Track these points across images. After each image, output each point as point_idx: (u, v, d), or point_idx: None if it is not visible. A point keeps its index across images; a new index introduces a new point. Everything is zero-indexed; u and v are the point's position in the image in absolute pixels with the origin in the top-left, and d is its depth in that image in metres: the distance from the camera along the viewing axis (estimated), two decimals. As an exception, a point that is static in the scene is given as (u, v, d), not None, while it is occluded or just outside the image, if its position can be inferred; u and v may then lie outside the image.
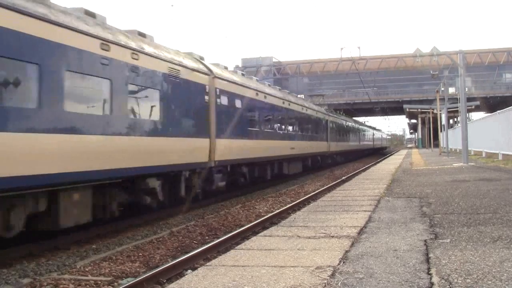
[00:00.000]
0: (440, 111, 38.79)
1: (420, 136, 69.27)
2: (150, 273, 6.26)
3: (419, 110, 55.52)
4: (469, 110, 46.37)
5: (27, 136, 7.01)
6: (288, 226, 6.57)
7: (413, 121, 74.89)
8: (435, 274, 3.78)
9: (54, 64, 7.59)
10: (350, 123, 42.21)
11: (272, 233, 6.14)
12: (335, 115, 35.14)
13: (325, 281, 3.75)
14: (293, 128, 22.35)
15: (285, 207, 12.04)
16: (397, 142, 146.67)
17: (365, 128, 57.38)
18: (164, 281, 6.16)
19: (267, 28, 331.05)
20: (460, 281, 3.56)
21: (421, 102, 57.88)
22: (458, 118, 37.24)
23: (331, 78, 68.70)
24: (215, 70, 13.78)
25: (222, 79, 13.95)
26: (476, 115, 58.67)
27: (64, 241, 8.59)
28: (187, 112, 11.69)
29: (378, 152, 68.96)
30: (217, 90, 13.43)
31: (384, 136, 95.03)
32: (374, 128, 70.02)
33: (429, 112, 48.52)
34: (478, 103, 49.33)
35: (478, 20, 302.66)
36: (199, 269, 4.55)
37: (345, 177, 21.15)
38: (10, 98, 6.84)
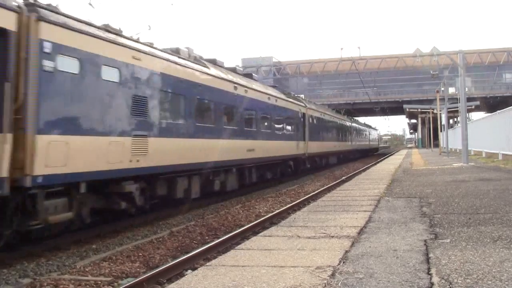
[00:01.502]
0: (440, 111, 38.81)
1: (420, 136, 69.28)
2: (150, 273, 6.26)
3: (419, 110, 55.58)
4: (469, 110, 46.41)
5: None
6: (288, 226, 6.57)
7: (413, 121, 74.93)
8: (435, 274, 3.78)
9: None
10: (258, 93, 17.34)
11: (272, 233, 6.14)
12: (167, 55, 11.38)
13: (325, 281, 3.75)
14: None
15: (285, 207, 12.04)
16: (397, 142, 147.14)
17: (332, 116, 33.03)
18: (164, 281, 6.16)
19: (267, 28, 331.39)
20: (460, 281, 3.56)
21: (421, 102, 57.93)
22: (458, 118, 37.27)
23: (331, 78, 68.72)
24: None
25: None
26: (476, 115, 58.72)
27: (64, 241, 8.59)
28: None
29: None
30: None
31: (375, 134, 71.45)
32: (355, 121, 48.64)
33: (429, 112, 48.55)
34: (478, 103, 49.41)
35: (478, 20, 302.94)
36: (199, 269, 4.55)
37: (345, 177, 21.15)
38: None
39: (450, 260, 4.23)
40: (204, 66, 13.31)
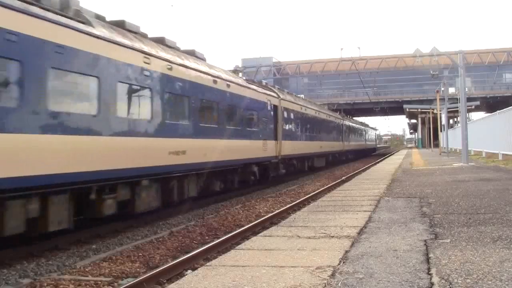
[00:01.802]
0: (440, 111, 38.80)
1: (420, 136, 69.28)
2: (150, 273, 6.26)
3: (419, 110, 55.62)
4: (469, 110, 46.42)
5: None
6: (288, 226, 6.57)
7: (413, 121, 74.96)
8: (435, 274, 3.78)
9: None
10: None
11: (272, 233, 6.14)
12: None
13: (325, 281, 3.75)
14: None
15: (285, 207, 12.05)
16: (397, 142, 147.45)
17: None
18: (164, 281, 6.16)
19: (267, 28, 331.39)
20: (460, 281, 3.56)
21: (421, 102, 57.94)
22: (458, 118, 37.26)
23: (331, 78, 68.71)
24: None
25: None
26: (476, 115, 58.69)
27: (64, 241, 8.59)
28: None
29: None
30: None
31: (373, 134, 67.41)
32: (348, 119, 43.11)
33: (429, 112, 48.54)
34: (478, 103, 49.41)
35: (478, 20, 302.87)
36: (199, 269, 4.54)
37: (345, 177, 21.17)
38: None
39: (450, 260, 4.22)
40: (88, 24, 8.53)
